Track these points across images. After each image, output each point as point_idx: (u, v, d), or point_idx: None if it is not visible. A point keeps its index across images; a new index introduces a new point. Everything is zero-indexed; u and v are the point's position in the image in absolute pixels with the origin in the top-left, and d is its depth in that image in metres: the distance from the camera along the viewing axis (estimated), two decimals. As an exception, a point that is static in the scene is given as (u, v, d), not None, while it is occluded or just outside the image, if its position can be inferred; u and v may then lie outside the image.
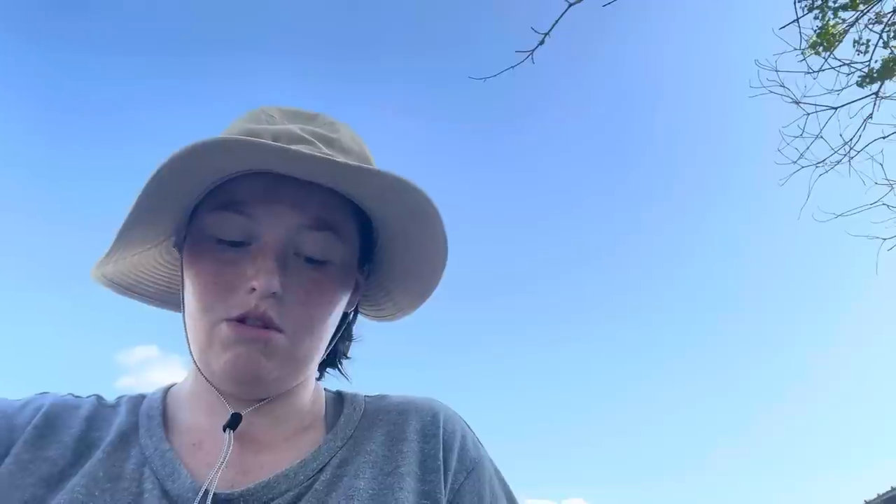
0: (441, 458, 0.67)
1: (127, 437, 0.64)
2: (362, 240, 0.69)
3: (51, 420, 0.63)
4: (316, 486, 0.62)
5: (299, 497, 0.60)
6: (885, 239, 4.57)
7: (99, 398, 0.70)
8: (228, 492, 0.59)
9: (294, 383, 0.67)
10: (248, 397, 0.64)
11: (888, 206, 4.53)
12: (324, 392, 0.75)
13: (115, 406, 0.68)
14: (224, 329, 0.60)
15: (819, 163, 4.65)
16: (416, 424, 0.70)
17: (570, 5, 3.95)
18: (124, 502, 0.57)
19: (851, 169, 4.59)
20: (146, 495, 0.58)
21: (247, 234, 0.61)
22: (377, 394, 0.76)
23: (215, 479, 0.58)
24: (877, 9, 4.31)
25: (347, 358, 0.80)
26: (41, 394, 0.68)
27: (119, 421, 0.66)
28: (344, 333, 0.77)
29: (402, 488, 0.63)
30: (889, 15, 4.29)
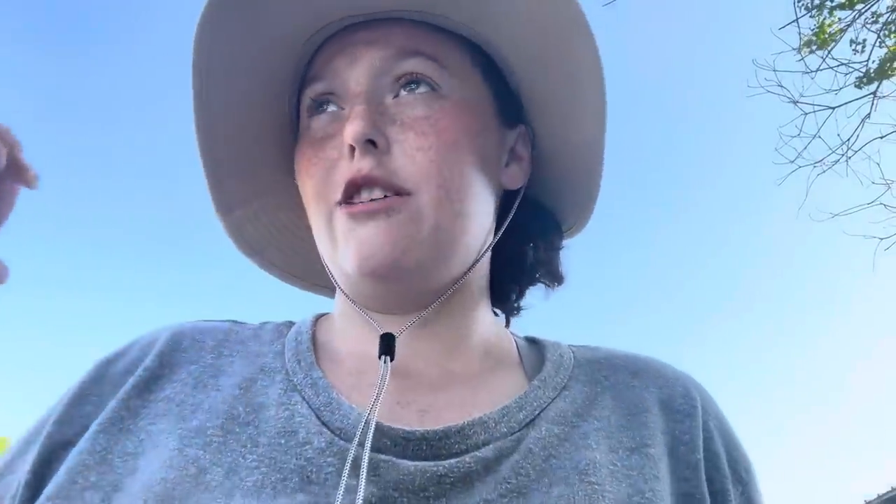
0: (701, 451, 0.50)
1: (269, 366, 0.52)
2: (495, 87, 0.56)
3: (166, 357, 0.53)
4: (528, 444, 0.46)
5: (505, 454, 0.45)
6: (882, 238, 4.57)
7: (234, 322, 0.58)
8: (408, 429, 0.46)
9: (444, 269, 0.52)
10: (393, 300, 0.53)
11: (885, 205, 4.53)
12: (510, 333, 0.61)
13: (255, 330, 0.57)
14: (338, 217, 0.50)
15: (817, 162, 4.65)
16: (659, 394, 0.53)
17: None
18: (273, 432, 0.46)
19: (849, 168, 4.59)
20: (298, 419, 0.47)
21: (332, 96, 0.53)
22: (579, 344, 0.60)
23: (375, 409, 0.45)
24: (874, 8, 4.31)
25: (549, 284, 0.63)
26: (162, 328, 0.57)
27: (259, 348, 0.54)
28: (544, 253, 0.61)
29: (657, 476, 0.46)
30: (886, 14, 4.29)
